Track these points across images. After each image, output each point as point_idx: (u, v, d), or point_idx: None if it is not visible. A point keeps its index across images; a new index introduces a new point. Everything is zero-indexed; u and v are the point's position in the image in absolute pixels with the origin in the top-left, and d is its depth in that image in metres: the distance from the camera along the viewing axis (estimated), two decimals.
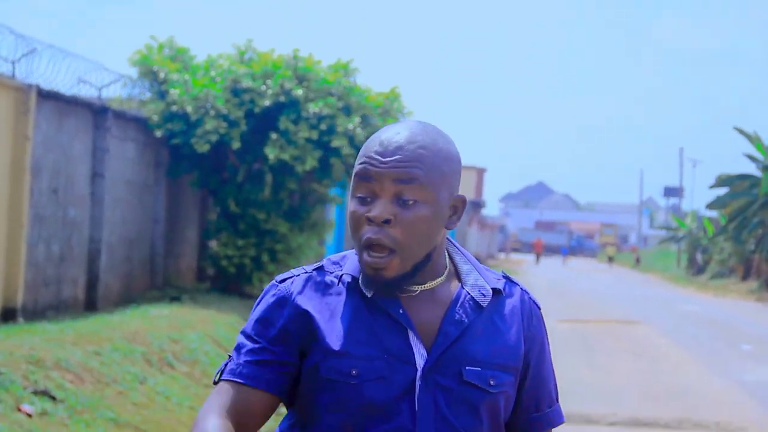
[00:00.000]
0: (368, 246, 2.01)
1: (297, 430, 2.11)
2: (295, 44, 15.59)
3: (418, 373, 2.02)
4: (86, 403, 7.03)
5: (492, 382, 2.06)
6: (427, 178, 2.01)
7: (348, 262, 2.12)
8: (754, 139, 40.70)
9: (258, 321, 2.09)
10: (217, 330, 10.97)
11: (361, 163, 2.03)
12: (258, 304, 2.13)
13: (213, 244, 15.48)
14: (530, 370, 2.16)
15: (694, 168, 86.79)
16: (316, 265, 2.15)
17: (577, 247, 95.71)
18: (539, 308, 2.23)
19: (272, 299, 2.10)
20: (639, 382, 12.26)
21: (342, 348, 2.01)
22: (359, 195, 2.03)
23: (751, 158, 41.13)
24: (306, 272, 2.13)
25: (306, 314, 2.06)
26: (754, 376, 13.16)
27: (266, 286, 2.14)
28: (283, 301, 2.09)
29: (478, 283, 2.12)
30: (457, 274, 2.14)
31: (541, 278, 40.71)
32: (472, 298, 2.10)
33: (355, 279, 2.08)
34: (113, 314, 11.01)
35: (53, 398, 6.80)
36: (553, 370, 2.25)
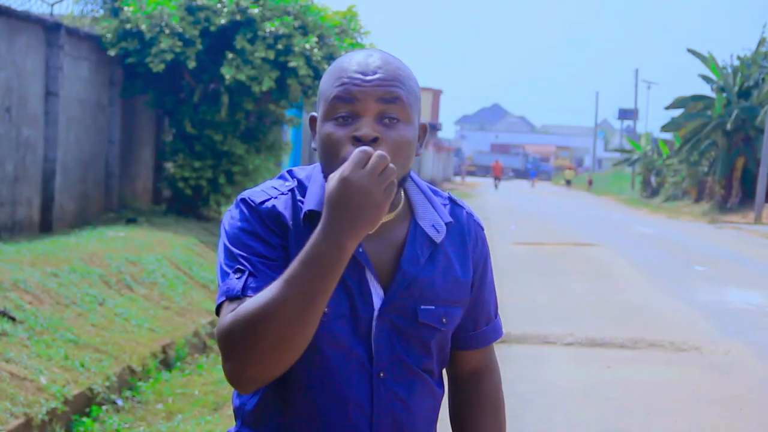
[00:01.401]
0: None
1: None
2: None
3: (375, 314, 2.03)
4: (46, 325, 6.99)
5: (444, 320, 2.10)
6: (407, 99, 2.00)
7: (310, 195, 2.05)
8: (708, 61, 40.87)
9: (254, 235, 2.00)
10: (174, 252, 10.91)
11: (340, 85, 1.98)
12: (240, 219, 2.03)
13: (169, 166, 15.31)
14: (473, 291, 2.19)
15: (648, 90, 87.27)
16: (287, 184, 2.09)
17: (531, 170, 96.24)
18: (483, 229, 2.25)
19: (256, 217, 2.02)
20: (595, 303, 12.39)
21: None
22: (339, 115, 1.98)
23: (706, 79, 41.36)
24: (282, 194, 2.06)
25: (286, 235, 2.02)
26: (707, 296, 13.34)
27: (239, 201, 2.05)
28: (269, 221, 2.01)
29: (431, 217, 2.11)
30: (409, 206, 2.12)
31: (499, 202, 40.94)
32: (426, 233, 2.09)
33: (317, 214, 2.01)
34: (69, 236, 10.90)
35: (13, 319, 6.74)
36: (493, 287, 2.28)
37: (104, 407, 6.35)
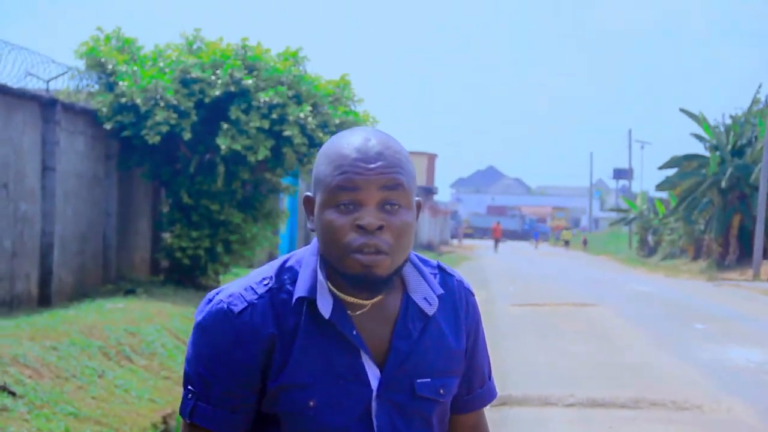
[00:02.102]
0: (360, 251, 1.96)
1: None
2: (244, 33, 15.44)
3: (373, 394, 2.02)
4: (46, 398, 7.00)
5: (442, 391, 2.10)
6: (408, 184, 2.00)
7: (301, 280, 2.04)
8: (700, 120, 41.15)
9: (223, 362, 2.01)
10: (173, 322, 10.92)
11: (341, 174, 1.96)
12: (214, 336, 2.02)
13: (166, 236, 15.37)
14: (466, 358, 2.20)
15: (642, 150, 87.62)
16: (266, 282, 2.06)
17: (529, 231, 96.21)
18: (473, 294, 2.24)
19: (234, 339, 2.01)
20: (595, 363, 12.35)
21: (299, 380, 1.99)
22: (341, 203, 1.97)
23: (699, 138, 41.61)
24: (259, 297, 2.04)
25: (267, 346, 2.01)
26: (708, 354, 13.30)
27: (215, 308, 2.04)
28: (247, 337, 2.01)
29: (423, 290, 2.11)
30: (401, 279, 2.11)
31: (498, 264, 40.90)
32: (418, 307, 2.09)
33: (308, 300, 2.03)
34: (68, 309, 10.92)
35: (13, 394, 6.74)
36: (486, 350, 2.28)
37: None
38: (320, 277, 2.03)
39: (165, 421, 7.80)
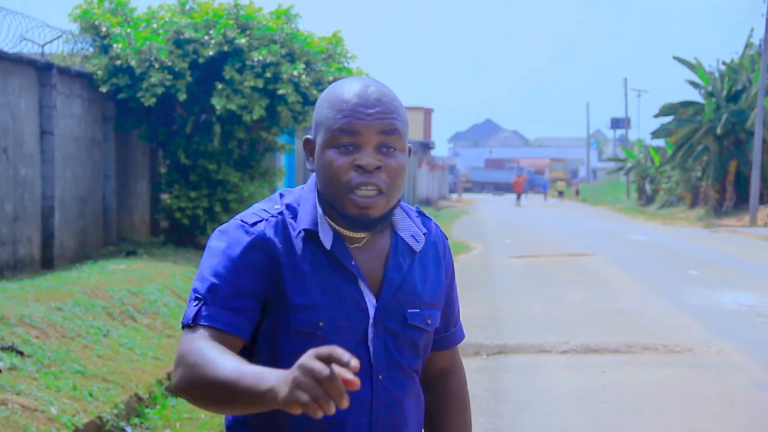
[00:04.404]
0: (357, 188, 2.12)
1: None
2: None
3: (370, 321, 2.21)
4: (53, 357, 7.13)
5: (429, 321, 2.30)
6: (402, 129, 2.18)
7: (302, 215, 2.21)
8: (695, 67, 41.11)
9: (232, 264, 2.13)
10: (174, 281, 11.09)
11: (342, 117, 2.13)
12: (227, 244, 2.15)
13: (165, 197, 15.51)
14: (446, 294, 2.40)
15: (639, 98, 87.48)
16: (276, 206, 2.23)
17: (530, 184, 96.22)
18: (447, 239, 2.46)
19: (246, 243, 2.15)
20: (590, 310, 12.55)
21: (310, 301, 2.16)
22: (341, 144, 2.13)
23: (694, 85, 41.58)
24: (273, 216, 2.20)
25: (277, 262, 2.16)
26: (700, 299, 13.50)
27: (230, 223, 2.19)
28: (258, 247, 2.16)
29: (410, 228, 2.30)
30: (390, 219, 2.28)
31: (495, 216, 41.00)
32: (407, 243, 2.28)
33: (312, 232, 2.19)
34: (71, 271, 11.07)
35: (21, 353, 6.91)
36: (456, 292, 2.49)
37: None
38: (320, 211, 2.21)
39: (169, 377, 7.98)
